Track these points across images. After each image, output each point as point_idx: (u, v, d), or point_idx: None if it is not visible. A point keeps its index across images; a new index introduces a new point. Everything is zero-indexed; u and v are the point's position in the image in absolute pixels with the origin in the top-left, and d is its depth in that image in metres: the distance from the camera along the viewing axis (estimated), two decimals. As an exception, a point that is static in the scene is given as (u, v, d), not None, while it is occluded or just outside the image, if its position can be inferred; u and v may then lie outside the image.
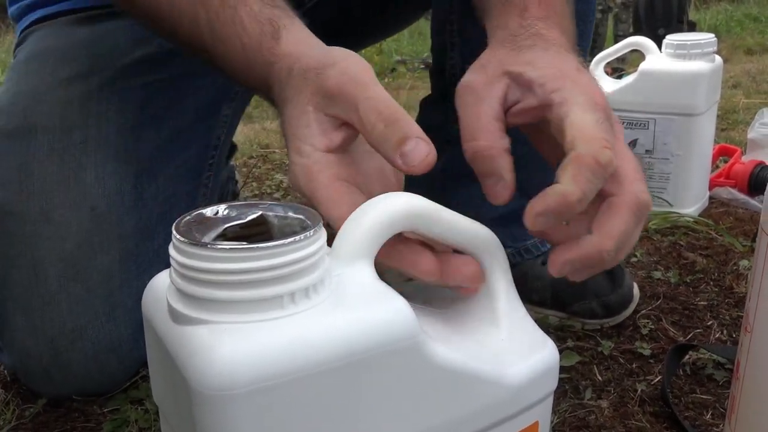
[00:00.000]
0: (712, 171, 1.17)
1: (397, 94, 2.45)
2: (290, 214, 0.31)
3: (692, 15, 3.53)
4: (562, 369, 0.70)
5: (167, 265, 0.78)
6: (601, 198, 0.37)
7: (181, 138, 0.73)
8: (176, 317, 0.30)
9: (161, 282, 0.34)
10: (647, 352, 0.74)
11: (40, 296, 0.63)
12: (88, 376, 0.64)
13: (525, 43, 0.42)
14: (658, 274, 0.90)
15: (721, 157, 1.27)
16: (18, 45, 0.77)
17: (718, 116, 1.11)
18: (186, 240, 0.29)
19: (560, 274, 0.37)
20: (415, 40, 4.44)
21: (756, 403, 0.51)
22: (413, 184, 0.85)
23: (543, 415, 0.37)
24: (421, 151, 0.35)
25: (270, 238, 0.28)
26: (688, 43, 1.01)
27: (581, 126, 0.37)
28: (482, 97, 0.41)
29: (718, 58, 1.06)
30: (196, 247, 0.28)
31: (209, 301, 0.28)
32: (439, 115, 0.78)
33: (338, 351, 0.28)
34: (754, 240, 0.80)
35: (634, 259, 0.95)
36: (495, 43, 0.44)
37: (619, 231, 0.36)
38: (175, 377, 0.29)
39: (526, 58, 0.41)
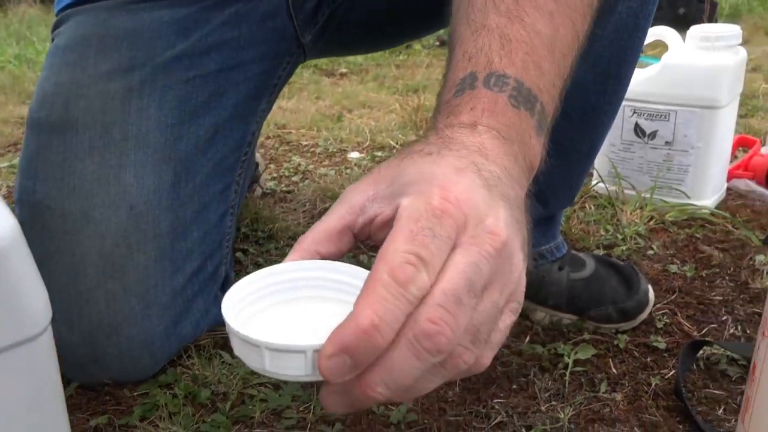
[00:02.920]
0: (731, 162, 1.17)
1: (413, 72, 2.44)
2: None
3: (713, -6, 3.46)
4: (578, 362, 0.72)
5: (200, 265, 0.79)
6: None
7: (219, 135, 0.73)
8: None
9: None
10: (662, 346, 0.75)
11: (78, 292, 0.64)
12: (121, 368, 0.67)
13: (425, 149, 0.37)
14: (674, 268, 0.91)
15: (740, 148, 1.27)
16: (56, 27, 0.76)
17: (738, 104, 1.11)
18: None
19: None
20: (430, 15, 4.39)
21: (771, 405, 0.52)
22: None
23: None
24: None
25: None
26: (713, 35, 1.01)
27: (392, 238, 0.31)
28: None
29: (742, 50, 1.05)
30: None
31: None
32: None
33: None
34: (767, 238, 0.80)
35: (650, 252, 0.96)
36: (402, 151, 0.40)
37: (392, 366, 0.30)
38: None
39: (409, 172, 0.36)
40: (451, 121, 0.39)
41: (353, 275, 0.36)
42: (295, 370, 0.31)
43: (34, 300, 0.36)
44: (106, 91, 0.68)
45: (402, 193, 0.34)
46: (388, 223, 0.33)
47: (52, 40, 0.76)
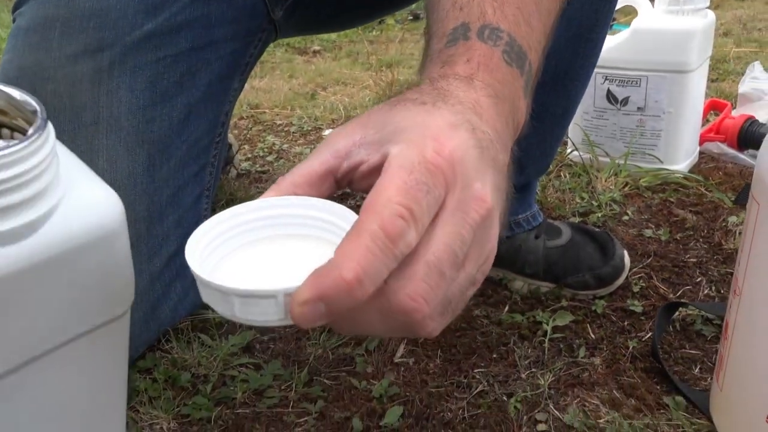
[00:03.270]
0: (703, 125, 1.18)
1: (386, 48, 2.42)
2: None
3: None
4: (557, 329, 0.73)
5: (177, 249, 0.78)
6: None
7: (192, 116, 0.72)
8: None
9: None
10: (639, 309, 0.76)
11: None
12: None
13: (420, 99, 0.35)
14: (648, 232, 0.92)
15: (711, 111, 1.28)
16: (17, 7, 0.74)
17: (708, 67, 1.11)
18: None
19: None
20: (402, -11, 4.34)
21: (744, 362, 0.53)
22: None
23: None
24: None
25: None
26: (682, -1, 1.01)
27: (383, 186, 0.29)
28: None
29: (710, 14, 1.05)
30: None
31: None
32: None
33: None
34: (738, 198, 0.81)
35: (625, 218, 0.97)
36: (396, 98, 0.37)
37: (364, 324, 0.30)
38: None
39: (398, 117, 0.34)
40: (445, 71, 0.38)
41: (331, 212, 0.34)
42: (267, 315, 0.30)
43: (126, 280, 0.36)
44: (74, 73, 0.66)
45: (391, 140, 0.32)
46: (374, 171, 0.31)
47: (14, 20, 0.74)
